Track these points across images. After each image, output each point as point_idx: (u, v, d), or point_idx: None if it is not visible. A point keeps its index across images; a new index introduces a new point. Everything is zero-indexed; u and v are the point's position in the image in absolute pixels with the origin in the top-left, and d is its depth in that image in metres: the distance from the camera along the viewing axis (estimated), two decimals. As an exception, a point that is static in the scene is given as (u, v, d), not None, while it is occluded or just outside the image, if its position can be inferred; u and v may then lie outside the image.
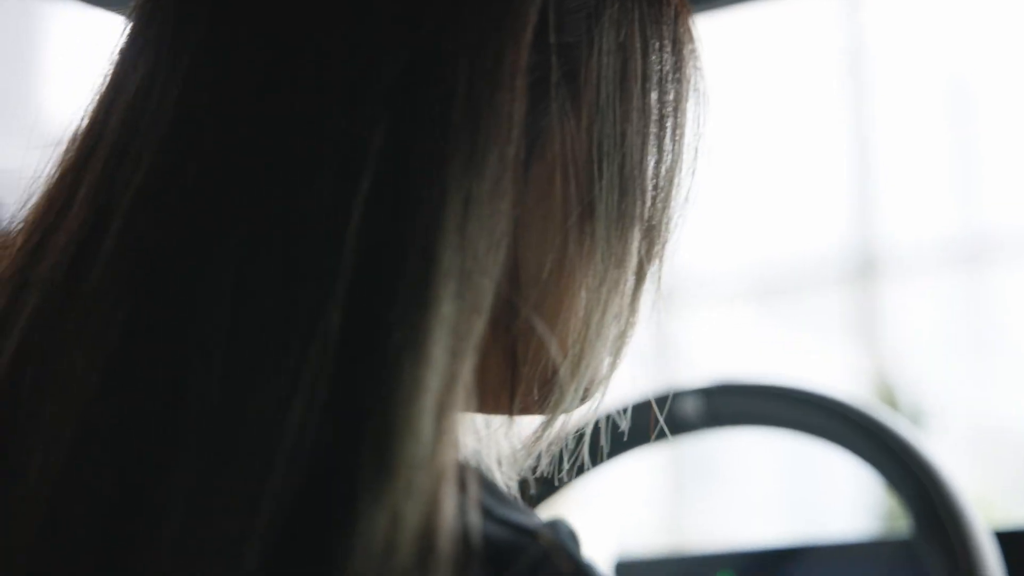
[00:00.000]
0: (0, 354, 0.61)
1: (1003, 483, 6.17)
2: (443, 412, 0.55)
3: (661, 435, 1.17)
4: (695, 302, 6.77)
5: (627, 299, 0.68)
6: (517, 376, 0.65)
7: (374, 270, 0.56)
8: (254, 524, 0.53)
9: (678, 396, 1.14)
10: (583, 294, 0.65)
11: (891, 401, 6.57)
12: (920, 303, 6.64)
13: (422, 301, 0.56)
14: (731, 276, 6.70)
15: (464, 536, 0.55)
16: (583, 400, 0.70)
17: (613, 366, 0.70)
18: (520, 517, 0.58)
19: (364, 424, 0.54)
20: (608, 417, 1.18)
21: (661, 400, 1.15)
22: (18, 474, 0.58)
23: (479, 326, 0.58)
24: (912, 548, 1.05)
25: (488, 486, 0.59)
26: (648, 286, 0.70)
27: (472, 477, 0.57)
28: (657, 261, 0.70)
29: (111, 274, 0.59)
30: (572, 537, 0.59)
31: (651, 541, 6.06)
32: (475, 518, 0.55)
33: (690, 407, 1.13)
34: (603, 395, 0.71)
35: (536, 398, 0.66)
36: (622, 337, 0.69)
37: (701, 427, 1.14)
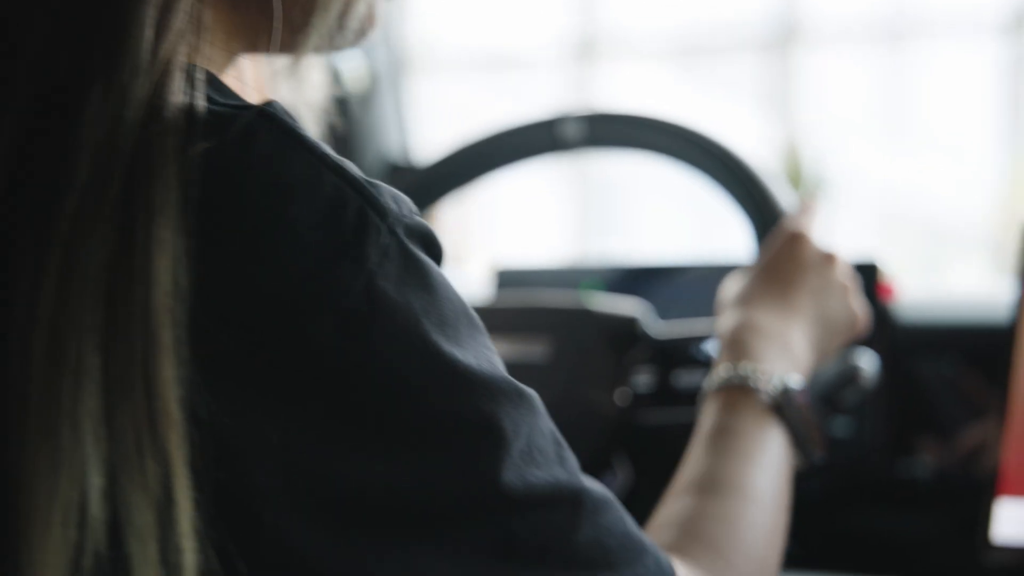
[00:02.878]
0: None
1: (900, 252, 6.38)
2: (164, 10, 0.67)
3: (548, 151, 1.31)
4: (615, 58, 6.83)
5: None
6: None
7: None
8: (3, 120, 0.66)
9: (563, 120, 1.26)
10: None
11: (798, 169, 6.72)
12: (834, 75, 6.74)
13: None
14: (652, 35, 6.73)
15: (188, 109, 0.66)
16: (350, 38, 0.79)
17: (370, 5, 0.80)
18: (242, 101, 0.69)
19: (92, 30, 0.67)
20: (501, 133, 1.31)
21: (549, 122, 1.27)
22: None
23: None
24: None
25: (218, 85, 0.70)
26: None
27: (202, 74, 0.68)
28: None
29: None
30: (287, 112, 0.68)
31: (547, 255, 6.21)
32: (200, 99, 0.67)
33: (572, 130, 1.25)
34: (369, 33, 0.81)
35: (297, 27, 0.76)
36: None
37: (580, 147, 1.26)
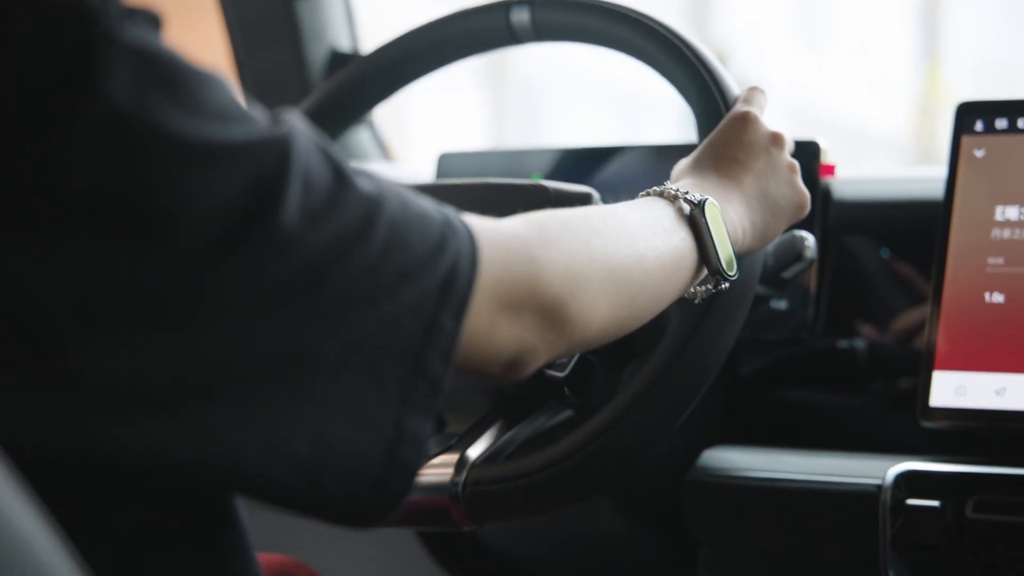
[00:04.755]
0: None
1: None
2: None
3: (493, 44, 1.31)
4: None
5: None
6: None
7: None
8: None
9: (510, 7, 1.26)
10: None
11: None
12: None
13: None
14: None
15: None
16: None
17: None
18: None
19: None
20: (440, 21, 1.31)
21: (493, 10, 1.28)
22: None
23: None
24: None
25: None
26: None
27: None
28: None
29: None
30: None
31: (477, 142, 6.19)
32: None
33: (518, 17, 1.25)
34: None
35: None
36: None
37: (529, 35, 1.27)
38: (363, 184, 0.73)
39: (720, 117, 1.10)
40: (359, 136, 1.73)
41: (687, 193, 0.97)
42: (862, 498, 1.15)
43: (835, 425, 1.34)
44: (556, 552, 1.47)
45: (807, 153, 1.27)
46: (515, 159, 1.45)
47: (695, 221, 0.96)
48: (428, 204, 0.76)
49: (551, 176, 1.40)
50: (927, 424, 1.18)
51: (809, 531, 1.20)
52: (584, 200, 1.11)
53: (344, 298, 0.70)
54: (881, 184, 1.38)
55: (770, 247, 1.16)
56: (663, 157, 1.36)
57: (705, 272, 0.98)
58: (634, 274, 0.88)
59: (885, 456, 1.19)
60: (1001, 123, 1.22)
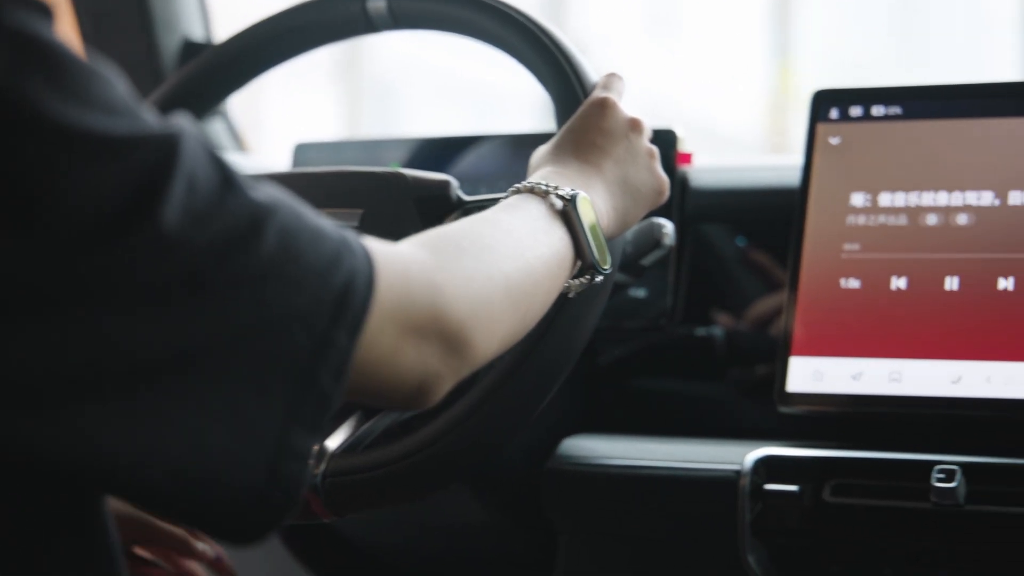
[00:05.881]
0: None
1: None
2: None
3: (350, 32, 1.29)
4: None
5: None
6: None
7: None
8: None
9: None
10: None
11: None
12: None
13: None
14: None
15: None
16: None
17: None
18: None
19: None
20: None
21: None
22: None
23: None
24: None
25: None
26: None
27: None
28: None
29: None
30: None
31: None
32: None
33: (375, 5, 1.24)
34: None
35: None
36: None
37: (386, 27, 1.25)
38: (253, 192, 0.71)
39: (578, 104, 1.10)
40: (213, 127, 1.71)
41: (557, 188, 0.96)
42: (721, 484, 1.16)
43: (694, 412, 1.35)
44: (418, 543, 1.47)
45: (664, 141, 1.28)
46: (373, 149, 1.44)
47: (568, 217, 0.96)
48: (325, 222, 0.75)
49: (409, 166, 1.38)
50: (785, 409, 1.20)
51: (669, 518, 1.20)
52: (442, 188, 1.10)
53: (226, 302, 0.68)
54: (737, 172, 1.39)
55: (629, 234, 1.16)
56: (521, 146, 1.36)
57: (579, 265, 0.98)
58: (527, 287, 0.89)
59: (744, 442, 1.19)
60: (856, 111, 1.23)
